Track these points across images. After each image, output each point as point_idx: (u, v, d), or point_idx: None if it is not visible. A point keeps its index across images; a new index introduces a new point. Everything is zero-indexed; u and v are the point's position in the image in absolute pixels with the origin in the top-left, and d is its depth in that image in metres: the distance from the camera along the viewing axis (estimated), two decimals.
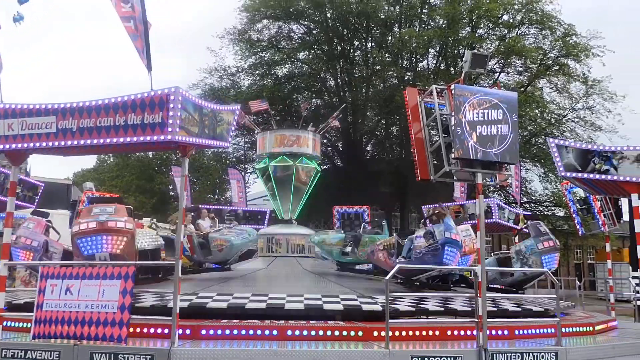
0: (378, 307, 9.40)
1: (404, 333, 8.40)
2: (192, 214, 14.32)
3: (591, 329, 10.58)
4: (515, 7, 33.17)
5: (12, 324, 8.74)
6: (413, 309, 9.70)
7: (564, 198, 20.13)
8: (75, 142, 7.70)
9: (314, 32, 38.08)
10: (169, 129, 7.34)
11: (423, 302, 10.12)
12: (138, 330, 8.16)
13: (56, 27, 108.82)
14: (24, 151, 8.14)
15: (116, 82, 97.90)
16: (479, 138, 8.33)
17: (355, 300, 10.14)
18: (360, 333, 8.40)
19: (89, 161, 52.72)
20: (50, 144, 7.77)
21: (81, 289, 7.39)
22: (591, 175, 9.86)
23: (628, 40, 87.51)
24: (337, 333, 8.36)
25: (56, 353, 7.30)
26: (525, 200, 34.01)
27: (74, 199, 20.33)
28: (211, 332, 8.29)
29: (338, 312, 9.49)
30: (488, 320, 8.05)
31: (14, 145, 7.91)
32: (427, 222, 13.81)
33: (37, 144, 7.82)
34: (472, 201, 20.22)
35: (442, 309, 9.98)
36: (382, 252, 12.49)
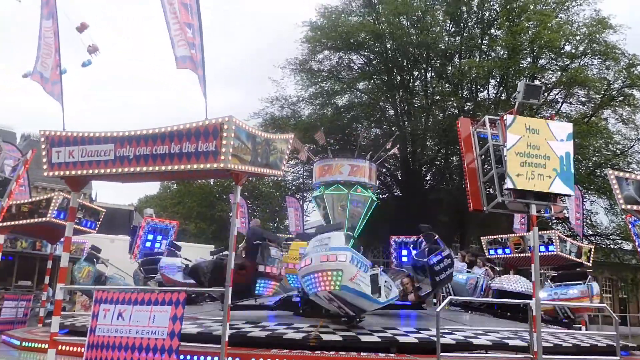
0: (431, 339, 9.14)
1: None
2: None
3: None
4: (578, 37, 32.79)
5: (67, 348, 8.92)
6: (466, 342, 9.48)
7: (629, 231, 19.41)
8: (132, 169, 7.88)
9: (373, 62, 38.23)
10: (222, 157, 7.41)
11: (476, 336, 9.88)
12: (189, 357, 8.18)
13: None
14: (83, 177, 8.38)
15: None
16: (532, 169, 8.27)
17: (411, 332, 9.94)
18: None
19: (152, 187, 54.12)
20: (108, 170, 7.98)
21: (133, 314, 7.46)
22: None
23: None
24: None
25: None
26: (590, 233, 32.97)
27: (135, 224, 20.82)
28: None
29: (393, 344, 9.31)
30: (544, 356, 7.86)
31: (74, 172, 8.18)
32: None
33: (96, 171, 8.06)
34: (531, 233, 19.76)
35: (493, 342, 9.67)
36: None
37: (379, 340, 9.34)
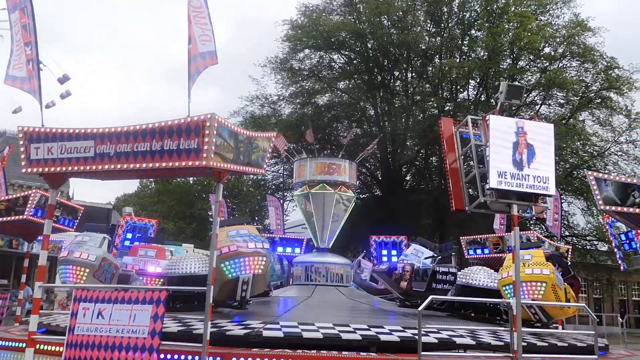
0: (412, 338, 9.01)
1: None
2: None
3: None
4: (557, 40, 33.35)
5: (45, 347, 8.79)
6: (448, 341, 9.43)
7: (605, 232, 19.45)
8: (112, 167, 7.74)
9: (354, 62, 38.38)
10: (204, 155, 7.32)
11: (459, 335, 9.83)
12: (169, 356, 8.10)
13: None
14: (62, 174, 8.23)
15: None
16: (514, 169, 8.34)
17: (390, 330, 9.89)
18: None
19: (131, 186, 53.84)
20: (88, 167, 7.83)
21: (113, 313, 7.35)
22: (631, 209, 9.30)
23: None
24: None
25: None
26: (567, 234, 33.36)
27: (113, 223, 20.67)
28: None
29: (373, 342, 9.23)
30: (523, 355, 7.89)
31: (52, 169, 8.00)
32: None
33: (75, 168, 7.89)
34: (511, 233, 19.73)
35: (475, 342, 9.63)
36: None
37: (360, 338, 9.30)
